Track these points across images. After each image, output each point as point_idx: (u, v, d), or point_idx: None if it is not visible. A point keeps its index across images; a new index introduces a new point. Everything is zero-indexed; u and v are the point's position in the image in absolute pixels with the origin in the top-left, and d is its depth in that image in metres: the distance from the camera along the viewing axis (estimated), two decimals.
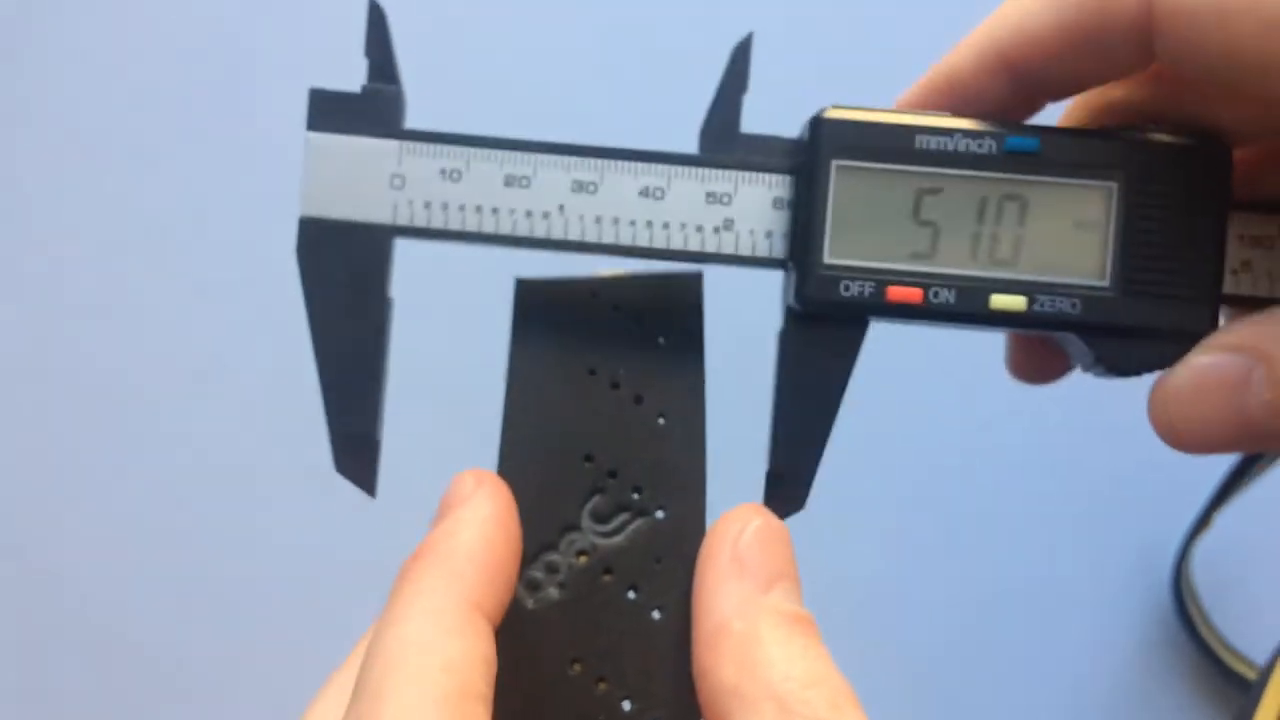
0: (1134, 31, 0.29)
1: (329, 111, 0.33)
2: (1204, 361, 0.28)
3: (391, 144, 0.33)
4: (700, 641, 0.28)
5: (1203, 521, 0.58)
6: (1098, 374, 0.32)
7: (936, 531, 0.61)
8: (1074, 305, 0.31)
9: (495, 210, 0.32)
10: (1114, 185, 0.31)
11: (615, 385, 0.33)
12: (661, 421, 0.33)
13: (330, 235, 0.32)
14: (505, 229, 0.32)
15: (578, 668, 0.30)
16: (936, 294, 0.31)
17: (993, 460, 0.61)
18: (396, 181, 0.33)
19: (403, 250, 0.33)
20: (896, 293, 0.31)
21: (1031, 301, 0.31)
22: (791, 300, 0.32)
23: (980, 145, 0.31)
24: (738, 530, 0.29)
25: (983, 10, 0.32)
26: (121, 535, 0.61)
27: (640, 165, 0.32)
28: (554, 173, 0.32)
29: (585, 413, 0.33)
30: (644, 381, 0.33)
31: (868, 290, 0.31)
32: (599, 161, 0.32)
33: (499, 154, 0.32)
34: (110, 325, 0.64)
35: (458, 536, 0.28)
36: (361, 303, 0.32)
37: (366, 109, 0.33)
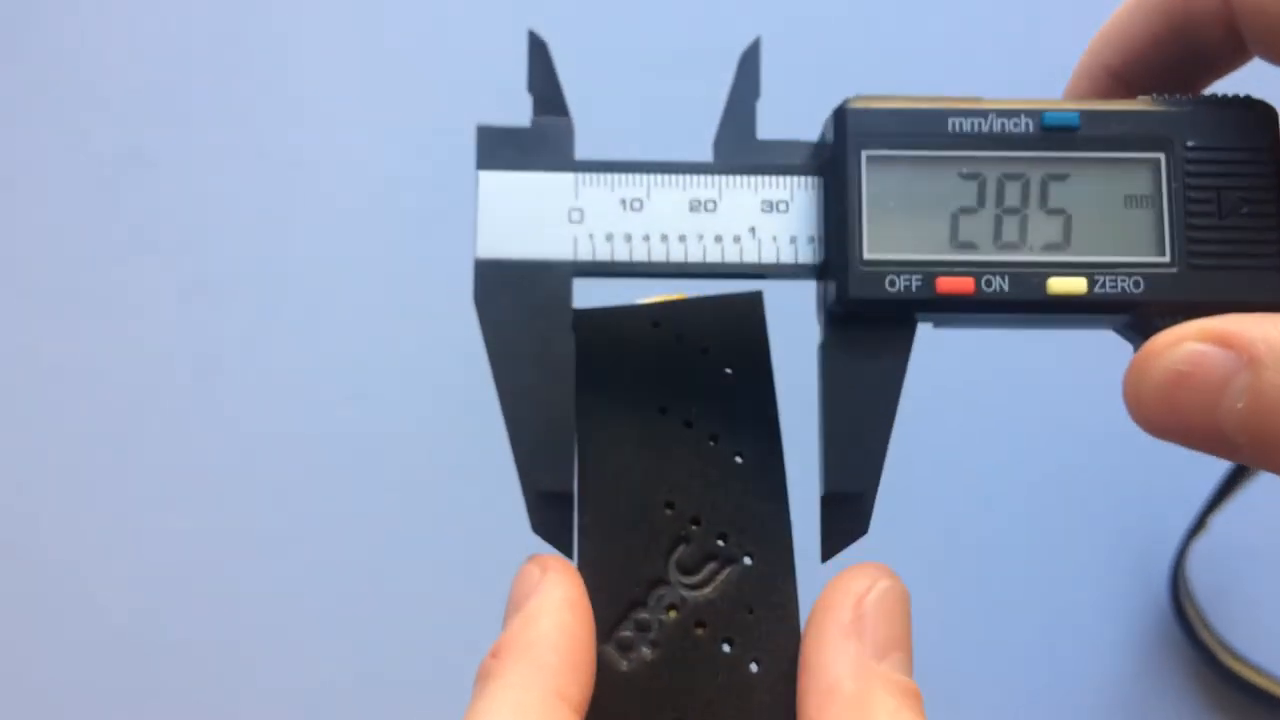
0: (1220, 29, 0.29)
1: (498, 148, 0.30)
2: (1190, 349, 0.27)
3: (567, 177, 0.30)
4: (809, 696, 0.27)
5: (1199, 524, 0.57)
6: None
7: (933, 535, 0.60)
8: (1137, 284, 0.29)
9: (683, 237, 0.31)
10: (1161, 156, 0.30)
11: (689, 424, 0.31)
12: (739, 460, 0.31)
13: (508, 278, 0.30)
14: (695, 256, 0.31)
15: None
16: (989, 282, 0.29)
17: (989, 463, 0.61)
18: (575, 215, 0.30)
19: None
20: (946, 284, 0.29)
21: (1092, 283, 0.29)
22: (832, 303, 0.30)
23: (1016, 124, 0.30)
24: (863, 589, 0.28)
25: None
26: (122, 535, 0.61)
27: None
28: (743, 194, 0.31)
29: (661, 457, 0.31)
30: (718, 418, 0.31)
31: (915, 283, 0.29)
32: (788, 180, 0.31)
33: (683, 179, 0.31)
34: (110, 325, 0.63)
35: (536, 627, 0.28)
36: (546, 349, 0.30)
37: (537, 143, 0.31)
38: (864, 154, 0.30)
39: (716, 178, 0.31)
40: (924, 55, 0.64)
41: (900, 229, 0.30)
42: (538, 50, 0.31)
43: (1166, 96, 0.30)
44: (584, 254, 0.30)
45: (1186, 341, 0.27)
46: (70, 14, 0.65)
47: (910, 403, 0.60)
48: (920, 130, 0.30)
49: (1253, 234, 0.29)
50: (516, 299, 0.30)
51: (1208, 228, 0.29)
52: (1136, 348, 0.31)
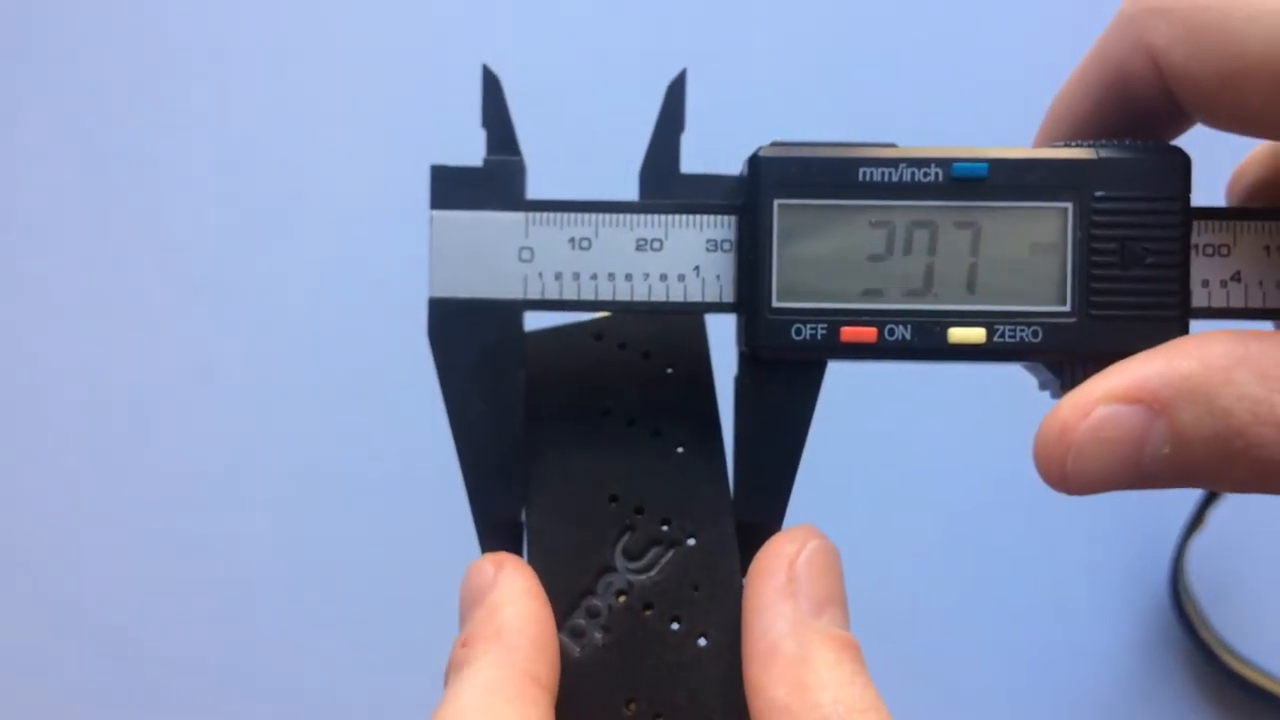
0: (1159, 97, 0.29)
1: (451, 188, 0.31)
2: (1102, 415, 0.27)
3: (518, 216, 0.31)
4: (752, 659, 0.28)
5: (1197, 519, 0.58)
6: None
7: (932, 532, 0.61)
8: (1035, 334, 0.30)
9: (629, 276, 0.32)
10: (1069, 206, 0.30)
11: (631, 422, 0.33)
12: (681, 450, 0.33)
13: (461, 314, 0.32)
14: (640, 295, 0.32)
15: (632, 707, 0.31)
16: (892, 331, 0.30)
17: (988, 460, 0.61)
18: (525, 254, 0.31)
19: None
20: (850, 333, 0.30)
21: (991, 333, 0.30)
22: (743, 346, 0.31)
23: (926, 174, 0.30)
24: (794, 551, 0.29)
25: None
26: (121, 536, 0.61)
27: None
28: (689, 233, 0.32)
29: (604, 454, 0.33)
30: (659, 413, 0.33)
31: (820, 332, 0.30)
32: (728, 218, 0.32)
33: (630, 218, 0.31)
34: (110, 325, 0.63)
35: (501, 614, 0.29)
36: (497, 381, 0.32)
37: (489, 182, 0.32)
38: (776, 202, 0.30)
39: (663, 218, 0.32)
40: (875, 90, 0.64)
41: (809, 277, 0.31)
42: (491, 87, 0.32)
43: (1085, 142, 0.30)
44: (533, 292, 0.32)
45: (1095, 408, 0.27)
46: (70, 14, 0.66)
47: (905, 397, 0.58)
48: (832, 179, 0.30)
49: (1155, 284, 0.30)
50: (469, 335, 0.32)
51: (1109, 278, 0.30)
52: (1040, 385, 0.32)
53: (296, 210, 0.64)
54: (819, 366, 0.31)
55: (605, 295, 0.32)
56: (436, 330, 0.32)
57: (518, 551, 0.32)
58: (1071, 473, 0.28)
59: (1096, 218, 0.30)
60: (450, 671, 0.29)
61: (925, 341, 0.30)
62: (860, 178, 0.30)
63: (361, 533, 0.61)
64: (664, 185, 0.32)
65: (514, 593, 0.30)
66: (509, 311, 0.32)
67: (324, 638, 0.60)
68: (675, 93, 0.32)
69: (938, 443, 0.62)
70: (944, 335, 0.30)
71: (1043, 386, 0.32)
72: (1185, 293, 0.30)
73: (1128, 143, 0.30)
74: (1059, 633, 0.60)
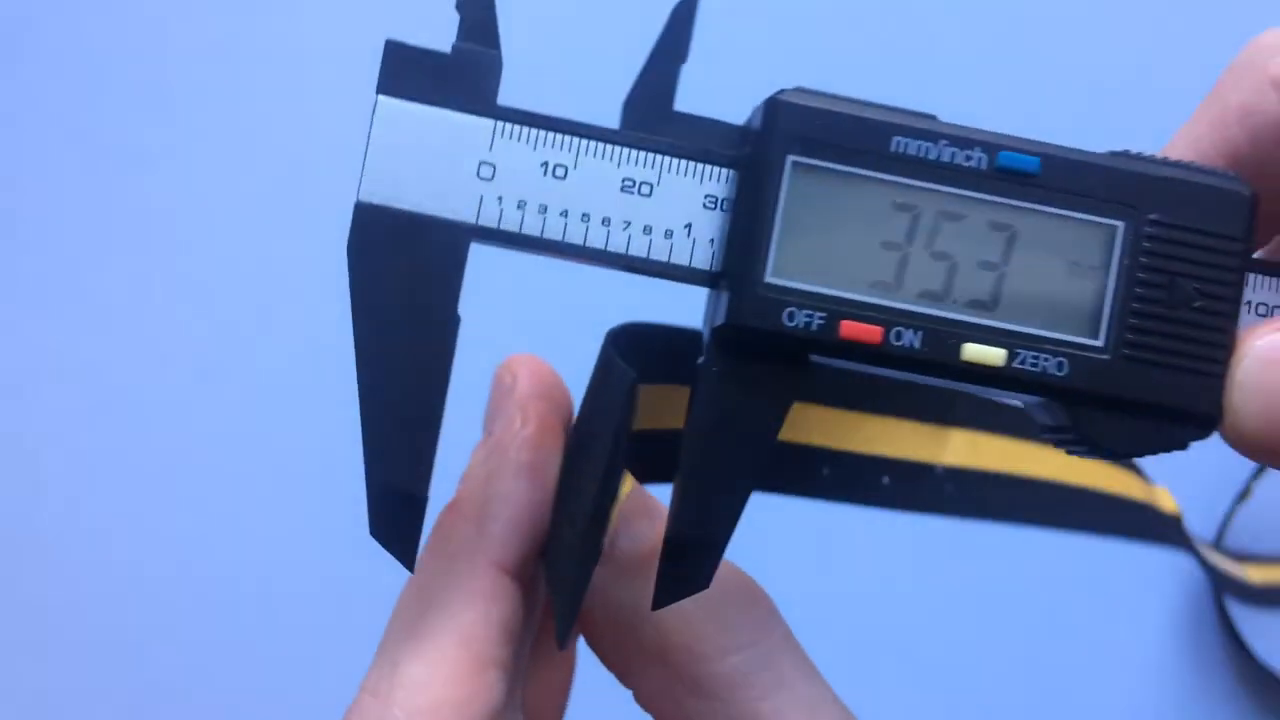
0: None
1: (407, 72, 0.25)
2: (1264, 343, 0.25)
3: (485, 123, 0.25)
4: None
5: (1243, 492, 0.57)
6: (1072, 451, 0.27)
7: (955, 527, 0.57)
8: (1060, 366, 0.26)
9: (606, 221, 0.26)
10: (1119, 225, 0.26)
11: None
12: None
13: (392, 229, 0.25)
14: (616, 246, 0.26)
15: None
16: (899, 335, 0.26)
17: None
18: (485, 171, 0.25)
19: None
20: (851, 328, 0.25)
21: (1011, 356, 0.26)
22: (719, 323, 0.26)
23: (969, 158, 0.26)
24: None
25: None
26: (120, 536, 0.60)
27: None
28: (686, 183, 0.26)
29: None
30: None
31: (817, 321, 0.25)
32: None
33: (619, 152, 0.26)
34: (110, 325, 0.62)
35: (495, 498, 0.30)
36: (424, 319, 0.25)
37: (455, 75, 0.25)
38: (789, 159, 0.25)
39: (658, 159, 0.26)
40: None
41: (813, 254, 0.25)
42: None
43: (1145, 155, 0.26)
44: (489, 218, 0.26)
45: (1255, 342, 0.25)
46: (70, 14, 0.63)
47: None
48: (859, 143, 0.25)
49: (1200, 332, 0.26)
50: (399, 256, 0.25)
51: (1152, 316, 0.26)
52: (1042, 427, 0.28)
53: (299, 208, 0.60)
54: (801, 365, 0.26)
55: (575, 239, 0.26)
56: (359, 243, 0.25)
57: (413, 537, 0.26)
58: (1245, 420, 0.25)
59: (1147, 244, 0.26)
60: (432, 532, 0.30)
61: (935, 354, 0.25)
62: (893, 147, 0.25)
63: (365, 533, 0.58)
64: (651, 120, 0.26)
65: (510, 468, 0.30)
66: (454, 236, 0.25)
67: (325, 639, 0.56)
68: (681, 17, 0.27)
69: None
70: (957, 350, 0.26)
71: (1039, 428, 0.28)
72: (1231, 346, 0.26)
73: (1194, 165, 0.26)
74: (1092, 630, 0.59)
